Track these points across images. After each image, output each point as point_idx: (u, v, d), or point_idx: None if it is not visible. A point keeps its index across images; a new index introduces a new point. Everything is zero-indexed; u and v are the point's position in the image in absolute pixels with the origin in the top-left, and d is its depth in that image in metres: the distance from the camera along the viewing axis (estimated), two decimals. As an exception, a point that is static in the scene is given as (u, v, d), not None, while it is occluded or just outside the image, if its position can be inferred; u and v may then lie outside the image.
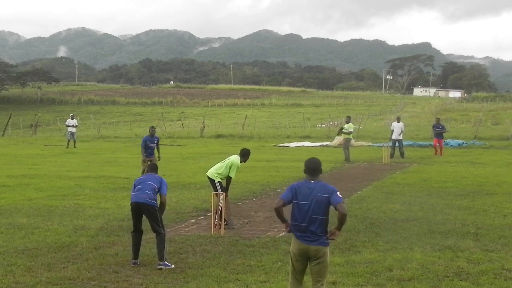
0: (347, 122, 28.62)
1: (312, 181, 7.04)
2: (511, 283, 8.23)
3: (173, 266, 9.21)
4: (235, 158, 12.89)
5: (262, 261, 9.47)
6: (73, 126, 38.89)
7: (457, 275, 8.64)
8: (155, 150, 19.92)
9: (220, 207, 11.84)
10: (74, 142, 38.99)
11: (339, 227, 7.07)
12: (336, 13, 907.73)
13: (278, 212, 6.91)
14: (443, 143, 32.02)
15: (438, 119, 32.33)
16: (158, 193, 9.54)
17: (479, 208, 14.58)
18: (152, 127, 20.92)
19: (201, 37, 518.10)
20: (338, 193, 6.94)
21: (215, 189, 12.63)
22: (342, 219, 6.90)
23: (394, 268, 9.01)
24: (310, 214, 6.92)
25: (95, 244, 10.68)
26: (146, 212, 9.38)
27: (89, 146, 41.49)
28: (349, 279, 8.44)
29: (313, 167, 7.13)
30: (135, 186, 9.71)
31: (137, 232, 9.52)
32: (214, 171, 12.90)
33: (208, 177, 13.05)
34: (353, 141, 40.97)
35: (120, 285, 8.29)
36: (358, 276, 8.60)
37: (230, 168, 12.76)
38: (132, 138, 52.44)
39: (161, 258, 9.20)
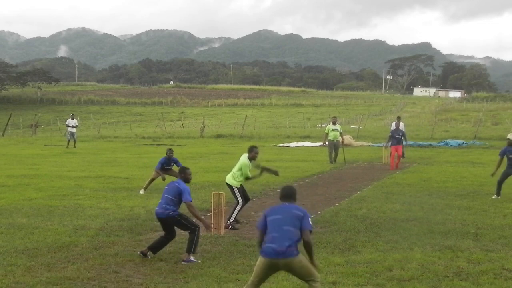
0: (334, 123, 27.42)
1: (287, 203, 7.35)
2: (511, 283, 8.22)
3: (198, 261, 9.52)
4: (243, 158, 13.04)
5: (262, 261, 9.47)
6: (73, 126, 38.88)
7: (457, 275, 8.64)
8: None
9: (221, 207, 11.83)
10: (74, 142, 38.99)
11: (311, 258, 7.15)
12: (338, 13, 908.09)
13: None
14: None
15: (397, 123, 27.02)
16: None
17: (479, 208, 14.59)
18: (170, 149, 18.01)
19: (201, 37, 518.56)
20: (309, 219, 7.07)
21: (234, 195, 12.96)
22: (306, 247, 7.04)
23: (394, 268, 9.02)
24: (282, 225, 6.99)
25: (95, 244, 10.68)
26: (169, 223, 9.94)
27: (89, 146, 41.49)
28: (349, 279, 8.44)
29: (288, 194, 7.53)
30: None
31: (166, 235, 10.06)
32: (231, 178, 13.05)
33: (227, 184, 13.17)
34: (351, 139, 41.10)
35: (120, 285, 8.30)
36: (358, 276, 8.60)
37: (241, 169, 12.93)
38: (132, 138, 52.43)
39: (187, 250, 9.63)
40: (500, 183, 16.41)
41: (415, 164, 26.18)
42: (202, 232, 11.78)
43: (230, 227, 12.52)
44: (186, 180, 10.28)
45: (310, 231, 7.01)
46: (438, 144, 38.67)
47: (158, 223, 12.36)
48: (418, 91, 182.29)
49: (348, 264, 9.25)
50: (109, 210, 14.34)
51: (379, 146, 34.74)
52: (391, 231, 11.79)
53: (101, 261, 9.48)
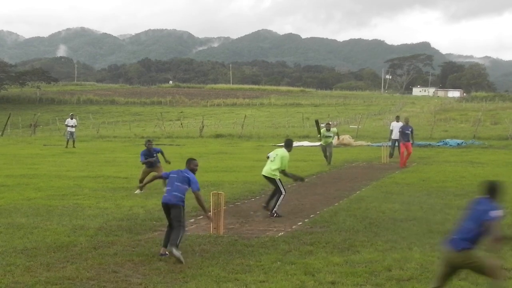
0: (328, 130, 27.00)
1: None
2: (510, 283, 8.23)
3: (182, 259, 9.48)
4: (284, 152, 14.20)
5: (261, 261, 9.48)
6: (72, 126, 38.88)
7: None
8: (162, 158, 18.01)
9: (220, 207, 11.83)
10: (74, 141, 38.98)
11: None
12: (337, 13, 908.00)
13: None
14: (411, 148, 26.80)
15: (406, 119, 28.12)
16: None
17: (478, 207, 14.58)
18: (149, 140, 18.15)
19: (200, 37, 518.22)
20: None
21: (277, 187, 14.04)
22: None
23: (393, 268, 9.02)
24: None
25: (94, 244, 10.68)
26: (172, 211, 10.01)
27: (88, 146, 41.49)
28: (348, 279, 8.45)
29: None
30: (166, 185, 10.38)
31: (170, 225, 10.07)
32: (271, 171, 14.06)
33: (266, 177, 14.26)
34: (350, 138, 41.10)
35: (119, 285, 8.30)
36: (357, 276, 8.61)
37: (282, 161, 13.98)
38: (131, 137, 52.41)
39: (172, 243, 9.63)
40: None
41: (414, 164, 26.18)
42: (201, 232, 11.82)
43: (275, 215, 13.68)
44: (193, 170, 10.43)
45: None
46: (437, 144, 38.68)
47: (157, 223, 12.46)
48: (417, 91, 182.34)
49: (347, 264, 9.25)
50: (108, 210, 14.34)
51: (378, 145, 34.74)
52: (390, 230, 11.80)
53: (100, 261, 9.48)
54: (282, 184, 14.09)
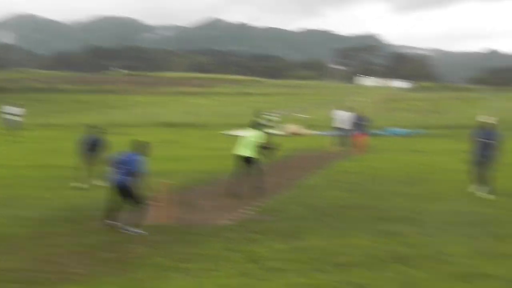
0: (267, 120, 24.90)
1: None
2: (450, 266, 8.47)
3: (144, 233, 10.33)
4: (257, 132, 15.70)
5: (207, 249, 9.45)
6: (15, 114, 38.00)
7: (398, 259, 8.82)
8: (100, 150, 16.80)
9: (169, 197, 11.75)
10: (17, 130, 38.11)
11: None
12: (289, 3, 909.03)
13: None
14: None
15: (359, 110, 29.22)
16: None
17: (421, 194, 14.89)
18: (93, 127, 17.67)
19: (150, 24, 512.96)
20: None
21: (257, 166, 15.30)
22: None
23: (340, 254, 9.11)
24: None
25: (36, 235, 10.47)
26: (125, 193, 10.67)
27: (33, 135, 40.65)
28: (293, 265, 8.50)
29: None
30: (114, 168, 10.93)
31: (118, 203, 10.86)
32: (250, 151, 15.21)
33: (244, 157, 15.26)
34: (300, 128, 41.28)
35: (63, 276, 8.16)
36: (303, 262, 8.66)
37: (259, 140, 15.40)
38: (78, 126, 51.52)
39: (132, 222, 10.50)
40: (475, 173, 15.31)
41: (363, 153, 26.43)
42: (148, 221, 11.67)
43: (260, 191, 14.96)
44: (142, 153, 11.03)
45: None
46: (385, 133, 39.15)
47: (101, 213, 12.27)
48: (366, 81, 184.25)
49: (294, 251, 9.30)
50: (51, 200, 14.07)
51: (327, 134, 34.93)
52: (337, 218, 11.91)
53: (43, 252, 9.29)
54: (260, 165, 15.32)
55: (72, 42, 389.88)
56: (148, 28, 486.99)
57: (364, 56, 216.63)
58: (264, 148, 15.56)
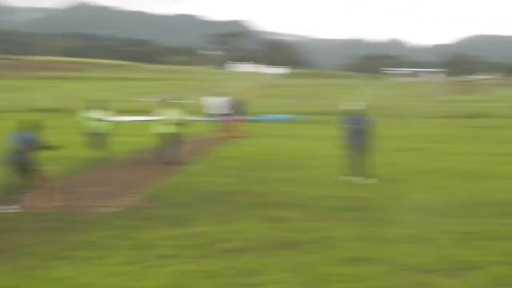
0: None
1: None
2: (335, 250, 8.69)
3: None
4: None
5: (93, 237, 9.27)
6: None
7: (286, 244, 8.98)
8: None
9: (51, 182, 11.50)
10: None
11: None
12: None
13: None
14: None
15: (238, 94, 30.78)
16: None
17: (300, 180, 15.29)
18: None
19: (20, 6, 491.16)
20: None
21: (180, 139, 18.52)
22: None
23: (224, 240, 9.18)
24: None
25: None
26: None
27: None
28: (182, 252, 8.50)
29: None
30: None
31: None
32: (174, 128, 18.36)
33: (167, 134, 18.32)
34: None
35: None
36: (191, 249, 8.67)
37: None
38: None
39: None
40: (349, 159, 15.51)
41: (241, 139, 26.82)
42: (30, 209, 11.34)
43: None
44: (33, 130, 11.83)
45: None
46: (262, 119, 39.81)
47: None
48: (240, 67, 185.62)
49: (181, 238, 9.30)
50: None
51: (204, 120, 35.04)
52: (222, 204, 12.05)
53: None
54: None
55: None
56: (18, 10, 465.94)
57: (236, 42, 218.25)
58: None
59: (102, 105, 20.51)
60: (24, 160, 11.48)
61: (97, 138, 19.40)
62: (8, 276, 7.40)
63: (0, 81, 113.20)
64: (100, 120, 19.68)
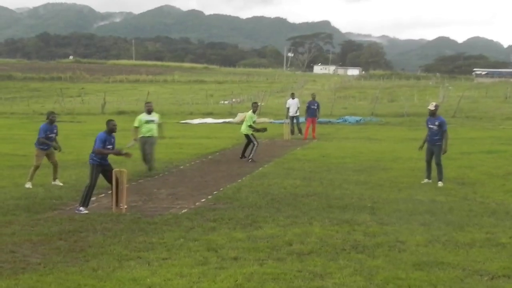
0: (149, 112, 18.01)
1: None
2: (404, 254, 8.55)
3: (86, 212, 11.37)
4: (250, 112, 20.44)
5: (164, 238, 9.43)
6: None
7: (354, 248, 8.91)
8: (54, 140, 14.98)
9: (122, 185, 11.71)
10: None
11: None
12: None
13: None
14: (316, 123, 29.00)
15: (313, 95, 30.25)
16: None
17: (375, 182, 15.07)
18: (52, 113, 15.24)
19: (101, 11, 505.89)
20: None
21: (251, 140, 20.05)
22: None
23: (294, 242, 9.18)
24: None
25: (-9, 224, 10.34)
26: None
27: (-17, 123, 39.87)
28: (250, 254, 8.54)
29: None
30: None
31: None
32: (245, 128, 20.06)
33: (244, 134, 20.21)
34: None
35: (17, 265, 8.05)
36: (259, 251, 8.70)
37: (250, 119, 20.13)
38: (29, 114, 50.80)
39: (79, 203, 11.56)
40: (428, 163, 15.31)
41: (315, 141, 26.73)
42: (102, 210, 11.64)
43: (250, 160, 19.52)
44: (111, 130, 11.93)
45: None
46: (337, 121, 39.60)
47: (57, 201, 12.33)
48: (318, 69, 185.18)
49: (250, 240, 9.35)
50: (6, 188, 13.90)
51: (280, 123, 35.15)
52: (291, 206, 12.02)
53: (-3, 242, 9.19)
54: (254, 138, 19.99)
55: (23, 29, 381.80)
56: (100, 16, 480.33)
57: (317, 44, 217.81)
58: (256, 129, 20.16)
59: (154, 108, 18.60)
60: (106, 162, 11.91)
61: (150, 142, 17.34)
62: (80, 276, 7.59)
63: (85, 84, 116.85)
64: (152, 122, 17.61)
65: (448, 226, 10.29)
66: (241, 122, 37.03)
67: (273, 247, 8.90)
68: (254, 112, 20.50)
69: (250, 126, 19.91)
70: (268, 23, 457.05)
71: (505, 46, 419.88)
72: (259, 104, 20.50)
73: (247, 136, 20.13)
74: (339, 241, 9.28)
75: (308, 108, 28.62)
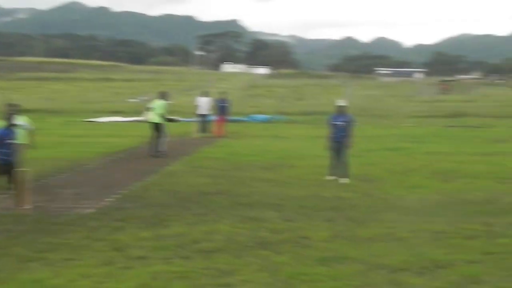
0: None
1: None
2: (309, 250, 8.76)
3: None
4: (160, 101, 20.20)
5: (68, 239, 9.28)
6: None
7: (259, 244, 9.04)
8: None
9: (23, 185, 11.44)
10: None
11: None
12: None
13: None
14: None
15: (223, 93, 31.08)
16: None
17: (282, 180, 15.34)
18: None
19: (4, 7, 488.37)
20: None
21: (161, 132, 19.82)
22: None
23: (201, 240, 9.24)
24: None
25: None
26: None
27: None
28: (156, 253, 8.54)
29: None
30: None
31: None
32: (157, 117, 19.84)
33: (154, 123, 19.87)
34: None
35: None
36: (166, 249, 8.71)
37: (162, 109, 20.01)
38: None
39: None
40: (334, 160, 15.65)
41: (224, 139, 26.85)
42: (3, 211, 11.32)
43: (161, 154, 19.53)
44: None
45: None
46: (246, 119, 39.84)
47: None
48: (227, 67, 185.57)
49: (157, 238, 9.33)
50: None
51: (189, 121, 35.08)
52: (199, 204, 12.08)
53: None
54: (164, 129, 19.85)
55: None
56: (3, 12, 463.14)
57: (226, 42, 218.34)
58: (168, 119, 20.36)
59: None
60: (8, 159, 11.49)
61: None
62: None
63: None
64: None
65: (351, 222, 10.62)
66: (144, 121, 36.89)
67: (180, 246, 8.93)
68: (165, 100, 20.50)
69: (162, 115, 19.88)
70: (177, 21, 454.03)
71: (407, 46, 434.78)
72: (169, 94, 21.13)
73: (157, 126, 19.93)
74: (246, 238, 9.40)
75: (218, 106, 28.95)
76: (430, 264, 8.10)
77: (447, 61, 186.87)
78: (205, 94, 30.72)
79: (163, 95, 20.69)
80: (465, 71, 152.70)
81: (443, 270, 7.88)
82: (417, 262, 8.18)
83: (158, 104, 20.22)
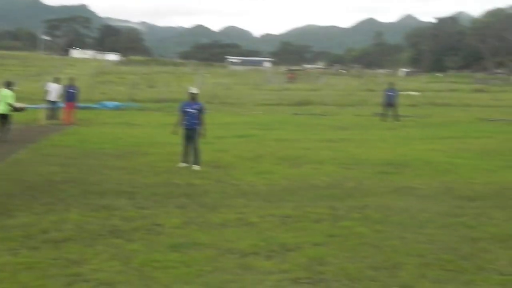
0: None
1: None
2: (161, 237, 8.79)
3: None
4: (7, 91, 19.87)
5: None
6: None
7: (111, 233, 8.95)
8: None
9: None
10: None
11: None
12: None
13: None
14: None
15: (71, 80, 29.93)
16: None
17: (134, 167, 15.23)
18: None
19: None
20: None
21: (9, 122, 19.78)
22: None
23: (50, 230, 9.00)
24: None
25: None
26: None
27: None
28: (2, 244, 8.21)
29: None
30: None
31: None
32: (4, 107, 19.55)
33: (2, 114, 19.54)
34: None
35: None
36: (13, 240, 8.40)
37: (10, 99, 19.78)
38: None
39: None
40: (186, 147, 15.84)
41: (74, 126, 26.18)
42: None
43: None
44: None
45: None
46: (96, 106, 38.98)
47: None
48: (76, 53, 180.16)
49: (2, 229, 8.98)
50: None
51: (36, 107, 33.78)
52: (47, 193, 11.73)
53: None
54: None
55: None
56: None
57: (74, 27, 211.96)
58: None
59: None
60: None
61: None
62: None
63: None
64: None
65: (203, 208, 10.75)
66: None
67: (27, 236, 8.64)
68: (11, 90, 20.13)
69: (9, 105, 19.66)
70: (22, 4, 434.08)
71: (256, 35, 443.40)
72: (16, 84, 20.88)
73: (5, 116, 19.78)
74: (97, 226, 9.27)
75: (67, 92, 28.26)
76: (279, 248, 8.35)
77: (294, 51, 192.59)
78: (56, 80, 29.90)
79: (8, 84, 20.29)
80: (311, 60, 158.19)
81: (291, 253, 8.16)
82: (267, 246, 8.40)
83: (4, 94, 19.93)
